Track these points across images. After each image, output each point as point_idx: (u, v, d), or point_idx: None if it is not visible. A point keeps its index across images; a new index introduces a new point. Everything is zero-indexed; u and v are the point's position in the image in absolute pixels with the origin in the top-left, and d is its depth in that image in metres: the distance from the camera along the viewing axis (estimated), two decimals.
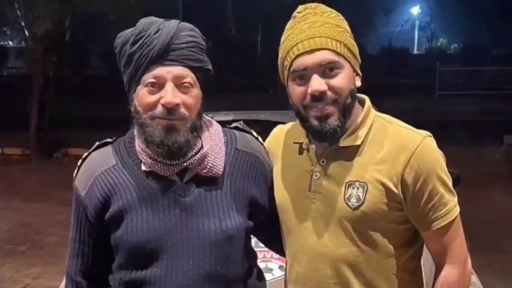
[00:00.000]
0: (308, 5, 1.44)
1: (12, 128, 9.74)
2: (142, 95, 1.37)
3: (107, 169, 1.43)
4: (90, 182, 1.43)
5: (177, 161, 1.38)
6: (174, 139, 1.34)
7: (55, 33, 9.76)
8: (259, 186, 1.51)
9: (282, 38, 1.44)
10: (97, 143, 1.51)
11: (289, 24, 1.44)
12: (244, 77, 17.40)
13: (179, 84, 1.36)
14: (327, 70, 1.37)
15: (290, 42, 1.39)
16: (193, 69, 1.39)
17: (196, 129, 1.40)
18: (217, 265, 1.39)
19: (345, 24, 1.43)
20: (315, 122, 1.39)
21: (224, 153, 1.46)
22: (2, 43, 29.00)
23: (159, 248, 1.37)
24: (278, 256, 1.86)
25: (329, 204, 1.42)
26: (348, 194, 1.40)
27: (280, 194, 1.52)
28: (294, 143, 1.53)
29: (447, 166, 1.41)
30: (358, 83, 1.44)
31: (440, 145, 1.42)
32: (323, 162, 1.45)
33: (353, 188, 1.40)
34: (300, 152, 1.51)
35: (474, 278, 2.51)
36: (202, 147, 1.41)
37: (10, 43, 29.50)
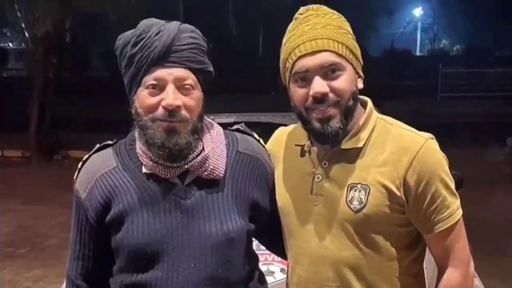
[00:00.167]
0: (310, 6, 1.43)
1: (12, 130, 9.75)
2: (143, 97, 1.36)
3: (107, 171, 1.42)
4: (91, 184, 1.43)
5: (178, 164, 1.37)
6: (175, 141, 1.34)
7: (55, 34, 9.77)
8: (260, 189, 1.50)
9: (284, 40, 1.43)
10: (98, 145, 1.50)
11: (290, 26, 1.43)
12: (245, 79, 17.43)
13: (180, 86, 1.35)
14: (329, 72, 1.36)
15: (292, 44, 1.39)
16: (194, 70, 1.38)
17: (197, 131, 1.39)
18: (218, 268, 1.38)
19: (347, 26, 1.42)
20: (317, 124, 1.38)
21: (225, 155, 1.45)
22: (2, 44, 28.99)
23: (160, 251, 1.36)
24: (279, 259, 1.85)
25: (331, 207, 1.42)
26: (350, 197, 1.39)
27: (282, 196, 1.52)
28: (296, 145, 1.53)
29: (450, 168, 1.41)
30: (360, 85, 1.43)
31: (443, 147, 1.41)
32: (325, 164, 1.44)
33: (355, 190, 1.39)
34: (302, 154, 1.50)
35: (477, 281, 2.50)
36: (203, 149, 1.41)
37: (10, 44, 29.50)
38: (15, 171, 8.81)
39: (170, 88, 1.34)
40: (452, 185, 1.39)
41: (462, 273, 1.41)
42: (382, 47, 27.84)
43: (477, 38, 29.91)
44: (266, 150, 1.59)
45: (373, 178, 1.38)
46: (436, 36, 38.44)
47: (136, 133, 1.42)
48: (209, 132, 1.46)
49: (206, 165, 1.40)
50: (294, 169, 1.51)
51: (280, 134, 1.64)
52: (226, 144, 1.48)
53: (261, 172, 1.51)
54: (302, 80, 1.38)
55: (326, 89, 1.35)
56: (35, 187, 7.60)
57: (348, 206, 1.39)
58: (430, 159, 1.37)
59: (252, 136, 1.59)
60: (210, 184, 1.41)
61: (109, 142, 1.50)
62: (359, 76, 1.43)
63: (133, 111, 1.40)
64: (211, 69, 1.44)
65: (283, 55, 1.43)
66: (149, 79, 1.35)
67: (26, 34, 10.17)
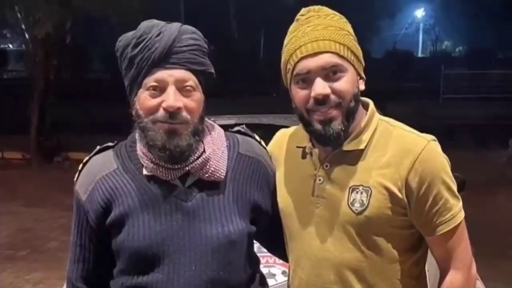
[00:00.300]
0: (312, 7, 1.43)
1: (12, 132, 9.73)
2: (143, 99, 1.36)
3: (108, 173, 1.42)
4: (91, 186, 1.42)
5: (179, 166, 1.37)
6: (176, 143, 1.33)
7: (56, 36, 9.74)
8: (261, 191, 1.50)
9: (285, 41, 1.43)
10: (98, 147, 1.50)
11: (292, 27, 1.43)
12: (247, 81, 17.44)
13: (181, 88, 1.35)
14: (331, 73, 1.36)
15: (293, 45, 1.38)
16: (195, 72, 1.38)
17: (198, 133, 1.38)
18: (220, 271, 1.38)
19: (348, 27, 1.42)
20: (318, 126, 1.37)
21: (226, 157, 1.45)
22: (2, 46, 28.98)
23: (160, 254, 1.36)
24: (281, 261, 1.85)
25: (332, 209, 1.41)
26: (351, 199, 1.39)
27: (283, 198, 1.51)
28: (297, 147, 1.52)
29: (452, 170, 1.40)
30: (362, 86, 1.43)
31: (445, 149, 1.41)
32: (326, 166, 1.43)
33: (357, 192, 1.38)
34: (303, 156, 1.50)
35: (479, 284, 2.49)
36: (204, 151, 1.40)
37: (10, 46, 29.54)
38: (15, 173, 8.79)
39: (171, 90, 1.33)
40: (454, 187, 1.39)
41: (464, 275, 1.40)
42: (384, 49, 27.86)
43: (479, 39, 29.81)
44: (268, 152, 1.58)
45: (375, 180, 1.37)
46: (438, 38, 38.40)
47: (137, 135, 1.42)
48: (210, 134, 1.46)
49: (207, 167, 1.39)
50: (296, 171, 1.51)
51: (281, 136, 1.64)
52: (227, 146, 1.48)
53: (262, 174, 1.51)
54: (303, 81, 1.38)
55: (327, 90, 1.35)
56: (35, 189, 7.59)
57: (350, 208, 1.38)
58: (432, 161, 1.36)
59: (253, 138, 1.58)
60: (211, 186, 1.41)
61: (110, 144, 1.50)
62: (361, 78, 1.43)
63: (133, 112, 1.40)
64: (212, 70, 1.44)
65: (284, 56, 1.42)
66: (150, 81, 1.35)
67: (27, 36, 10.15)
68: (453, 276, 1.40)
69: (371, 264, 1.40)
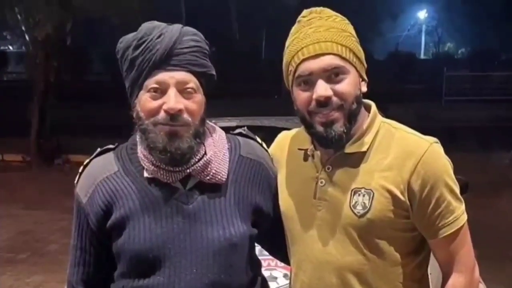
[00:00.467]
0: (313, 9, 1.42)
1: (12, 134, 9.73)
2: (144, 101, 1.35)
3: (108, 176, 1.41)
4: (92, 189, 1.42)
5: (180, 168, 1.36)
6: (177, 145, 1.33)
7: (56, 37, 9.73)
8: (263, 193, 1.49)
9: (287, 43, 1.42)
10: (99, 149, 1.49)
11: (294, 29, 1.42)
12: (248, 82, 17.44)
13: (182, 90, 1.34)
14: (333, 75, 1.35)
15: (295, 47, 1.38)
16: (196, 74, 1.37)
17: (199, 135, 1.38)
18: (221, 274, 1.37)
19: (350, 29, 1.42)
20: (320, 128, 1.37)
21: (227, 159, 1.44)
22: (2, 47, 29.04)
23: (161, 256, 1.35)
24: (282, 264, 1.84)
25: (334, 212, 1.41)
26: (353, 201, 1.38)
27: (285, 201, 1.51)
28: (299, 149, 1.52)
29: (455, 173, 1.40)
30: (364, 88, 1.42)
31: (447, 151, 1.40)
32: (328, 168, 1.43)
33: (359, 195, 1.38)
34: (305, 158, 1.49)
35: (482, 287, 2.48)
36: (205, 153, 1.40)
37: (11, 47, 29.61)
38: (15, 175, 8.78)
39: (172, 92, 1.33)
40: (457, 189, 1.38)
41: (467, 278, 1.40)
42: (386, 50, 27.84)
43: (482, 41, 29.79)
44: (269, 154, 1.58)
45: (377, 182, 1.37)
46: (441, 39, 38.37)
47: (138, 137, 1.41)
48: (211, 136, 1.45)
49: (208, 169, 1.39)
50: (297, 173, 1.50)
51: (283, 138, 1.63)
52: (228, 148, 1.47)
53: (264, 176, 1.50)
54: (305, 83, 1.37)
55: (329, 92, 1.34)
56: (35, 191, 7.58)
57: (352, 211, 1.38)
58: (434, 164, 1.36)
59: (255, 140, 1.58)
60: (213, 188, 1.40)
61: (110, 146, 1.50)
62: (363, 80, 1.42)
63: (134, 115, 1.39)
64: (213, 72, 1.43)
65: (286, 58, 1.42)
66: (151, 83, 1.34)
67: (27, 37, 10.15)
68: (455, 279, 1.39)
69: (373, 267, 1.39)
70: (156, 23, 1.40)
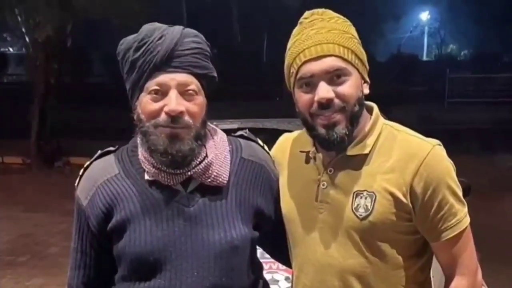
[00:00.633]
0: (315, 10, 1.42)
1: (12, 136, 9.73)
2: (145, 103, 1.35)
3: (109, 178, 1.41)
4: (92, 191, 1.41)
5: (181, 170, 1.36)
6: (178, 147, 1.32)
7: (56, 39, 9.76)
8: (264, 196, 1.48)
9: (289, 45, 1.42)
10: (99, 151, 1.49)
11: (295, 30, 1.42)
12: (250, 85, 17.45)
13: (183, 92, 1.34)
14: (335, 77, 1.35)
15: (297, 49, 1.38)
16: (197, 76, 1.36)
17: (201, 138, 1.37)
18: (222, 277, 1.36)
19: (352, 30, 1.41)
20: (322, 131, 1.36)
21: (229, 162, 1.44)
22: (2, 49, 29.04)
23: (162, 259, 1.34)
24: (284, 267, 1.83)
25: (336, 214, 1.40)
26: (356, 204, 1.38)
27: (287, 204, 1.50)
28: (301, 151, 1.51)
29: (457, 175, 1.39)
30: (366, 90, 1.42)
31: (450, 153, 1.40)
32: (330, 171, 1.42)
33: (361, 197, 1.37)
34: (307, 161, 1.49)
35: None
36: (206, 156, 1.39)
37: (11, 49, 29.62)
38: (15, 178, 8.80)
39: (173, 94, 1.32)
40: (460, 192, 1.38)
41: (470, 281, 1.39)
42: (389, 52, 27.77)
43: (485, 43, 29.69)
44: (271, 156, 1.57)
45: (379, 185, 1.36)
46: (444, 41, 38.25)
47: (139, 139, 1.41)
48: (213, 138, 1.45)
49: (210, 171, 1.38)
50: (299, 176, 1.50)
51: (285, 141, 1.63)
52: (230, 151, 1.47)
53: (265, 179, 1.50)
54: (307, 85, 1.37)
55: (331, 94, 1.33)
56: (35, 194, 7.58)
57: (354, 213, 1.37)
58: (437, 166, 1.35)
59: (256, 142, 1.57)
60: (214, 191, 1.40)
61: (111, 148, 1.49)
62: (365, 82, 1.42)
63: (135, 117, 1.38)
64: (215, 74, 1.43)
65: (287, 60, 1.41)
66: (152, 85, 1.34)
67: (27, 39, 10.17)
68: (458, 282, 1.39)
69: (375, 270, 1.39)
70: (157, 24, 1.39)
